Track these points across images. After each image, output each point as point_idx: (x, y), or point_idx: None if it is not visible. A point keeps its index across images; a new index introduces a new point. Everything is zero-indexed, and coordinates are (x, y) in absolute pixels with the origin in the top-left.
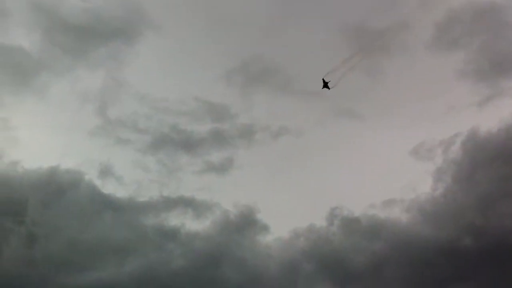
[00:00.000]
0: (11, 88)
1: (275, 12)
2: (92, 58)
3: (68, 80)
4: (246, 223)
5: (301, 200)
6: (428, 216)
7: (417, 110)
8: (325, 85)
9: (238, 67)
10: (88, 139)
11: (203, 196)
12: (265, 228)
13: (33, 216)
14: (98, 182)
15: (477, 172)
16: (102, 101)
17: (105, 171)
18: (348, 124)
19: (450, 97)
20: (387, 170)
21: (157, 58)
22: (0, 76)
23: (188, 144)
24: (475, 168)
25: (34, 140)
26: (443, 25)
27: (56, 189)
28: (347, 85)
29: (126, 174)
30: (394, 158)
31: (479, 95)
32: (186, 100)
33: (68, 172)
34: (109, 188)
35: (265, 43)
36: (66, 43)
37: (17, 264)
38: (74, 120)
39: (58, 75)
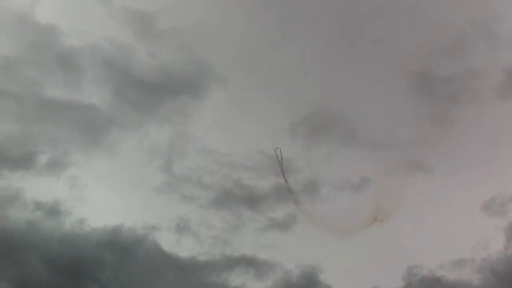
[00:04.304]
0: (81, 145)
1: (337, 62)
2: (160, 114)
3: (136, 136)
4: (308, 284)
5: (366, 259)
6: (502, 277)
7: (488, 161)
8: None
9: (302, 119)
10: (153, 196)
11: (265, 255)
12: None
13: (98, 275)
14: (161, 241)
15: None
16: (168, 157)
17: (169, 230)
18: (415, 177)
19: None
20: (457, 226)
21: (223, 112)
22: (71, 134)
23: (251, 199)
24: None
25: (100, 198)
26: None
27: (121, 247)
28: (414, 135)
29: (189, 232)
30: (464, 213)
31: None
32: (250, 154)
33: (131, 230)
34: (173, 246)
35: (329, 94)
36: (136, 99)
37: None
38: (140, 177)
39: (127, 131)
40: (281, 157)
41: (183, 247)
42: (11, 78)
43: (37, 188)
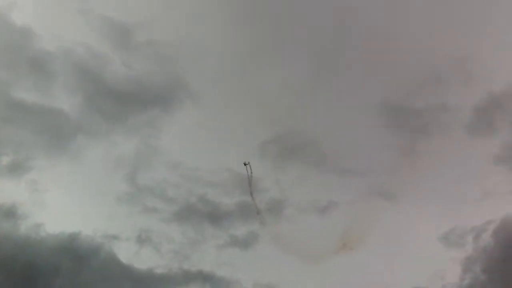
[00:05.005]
0: (45, 150)
1: (313, 86)
2: (130, 124)
3: (103, 145)
4: None
5: (324, 282)
6: None
7: (451, 194)
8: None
9: (272, 140)
10: (115, 205)
11: (223, 272)
12: None
13: (52, 281)
14: (119, 251)
15: (508, 262)
16: (133, 167)
17: (129, 240)
18: (380, 205)
19: (485, 182)
20: (415, 255)
21: (194, 126)
22: (36, 138)
23: (214, 216)
24: (506, 258)
25: (60, 204)
26: (482, 109)
27: (77, 255)
28: (382, 164)
29: (149, 244)
30: (423, 243)
31: None
32: (218, 170)
33: (89, 239)
34: (131, 257)
35: (302, 117)
36: (106, 108)
37: None
38: (103, 185)
39: (94, 139)
40: (251, 172)
41: (140, 259)
42: None
43: None
